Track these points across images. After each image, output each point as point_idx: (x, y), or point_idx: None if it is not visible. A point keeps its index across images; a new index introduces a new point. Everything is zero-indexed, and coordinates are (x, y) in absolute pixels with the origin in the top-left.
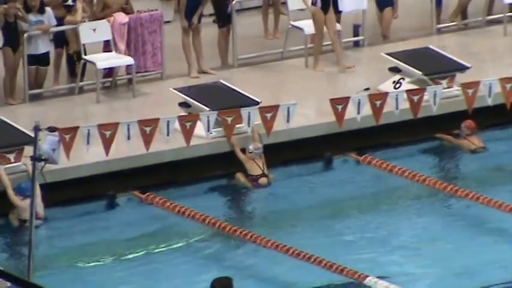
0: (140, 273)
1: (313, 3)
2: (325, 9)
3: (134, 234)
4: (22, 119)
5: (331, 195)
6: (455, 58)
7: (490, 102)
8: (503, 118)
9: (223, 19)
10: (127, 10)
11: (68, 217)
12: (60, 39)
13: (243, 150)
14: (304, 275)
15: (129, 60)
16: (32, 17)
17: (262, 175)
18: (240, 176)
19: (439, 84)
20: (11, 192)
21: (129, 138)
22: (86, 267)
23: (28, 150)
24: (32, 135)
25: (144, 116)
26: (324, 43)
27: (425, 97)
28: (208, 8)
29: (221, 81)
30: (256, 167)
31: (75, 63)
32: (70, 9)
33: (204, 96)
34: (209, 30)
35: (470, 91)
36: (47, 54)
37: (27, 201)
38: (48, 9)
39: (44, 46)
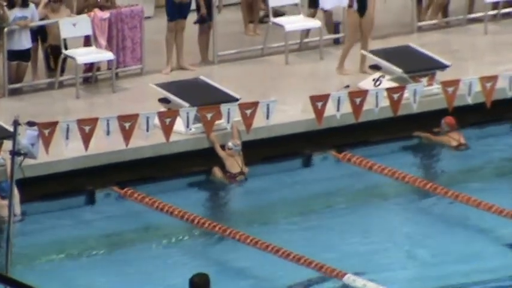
0: (118, 268)
1: (350, 6)
2: (361, 12)
3: (112, 230)
4: (1, 113)
5: (311, 192)
6: (435, 56)
7: (470, 100)
8: (483, 117)
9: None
10: (107, 5)
11: (46, 212)
12: (35, 34)
13: (222, 147)
14: (282, 271)
15: (110, 56)
16: (16, 12)
17: (240, 173)
18: (216, 171)
19: (419, 82)
20: None
21: (108, 133)
22: (64, 262)
23: (7, 144)
24: (11, 129)
25: (124, 112)
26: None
27: (406, 95)
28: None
29: (201, 77)
30: (235, 164)
31: (49, 57)
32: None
33: (183, 92)
34: (189, 26)
35: (450, 89)
36: (29, 49)
37: (5, 201)
38: (31, 4)
39: (27, 42)
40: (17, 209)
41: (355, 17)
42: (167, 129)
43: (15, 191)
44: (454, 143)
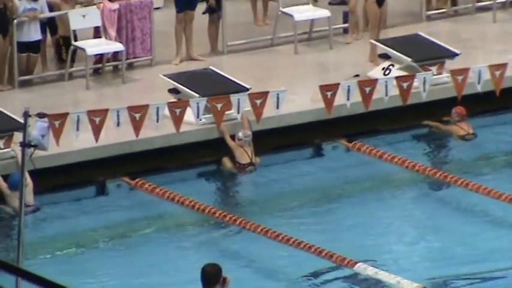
0: (129, 258)
1: None
2: (379, 2)
3: (123, 220)
4: (12, 105)
5: (321, 181)
6: (444, 45)
7: (479, 89)
8: (493, 105)
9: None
10: None
11: (57, 203)
12: (44, 25)
13: (233, 137)
14: (293, 260)
15: (119, 47)
16: (25, 4)
17: (250, 164)
18: (226, 161)
19: (429, 71)
20: None
21: (118, 124)
22: (75, 253)
23: (17, 136)
24: (22, 121)
25: (134, 103)
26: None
27: (415, 84)
28: None
29: (211, 67)
30: (245, 155)
31: (62, 49)
32: None
33: (193, 83)
34: (199, 17)
35: (459, 78)
36: (39, 41)
37: (17, 192)
38: None
39: (37, 34)
40: (30, 198)
41: (375, 8)
42: (177, 120)
43: (29, 180)
44: (462, 133)
